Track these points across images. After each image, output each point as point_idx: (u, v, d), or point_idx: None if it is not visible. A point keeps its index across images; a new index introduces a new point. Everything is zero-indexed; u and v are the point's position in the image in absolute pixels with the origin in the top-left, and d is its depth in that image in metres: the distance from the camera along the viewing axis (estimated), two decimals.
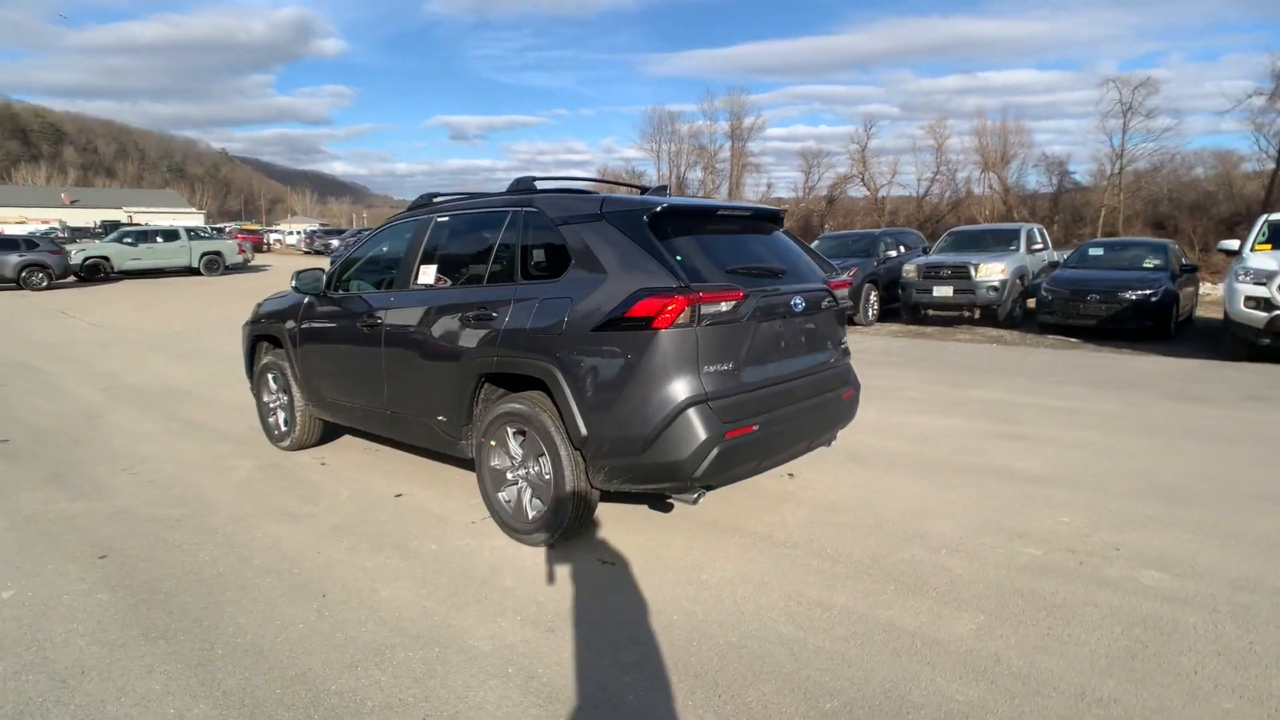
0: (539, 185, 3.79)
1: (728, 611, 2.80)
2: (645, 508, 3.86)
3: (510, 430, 3.44)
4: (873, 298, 12.13)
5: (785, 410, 3.32)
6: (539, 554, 3.36)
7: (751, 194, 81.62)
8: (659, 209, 3.23)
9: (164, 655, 2.55)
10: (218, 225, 46.69)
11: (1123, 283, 10.03)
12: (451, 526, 3.72)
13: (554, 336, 3.18)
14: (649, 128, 76.13)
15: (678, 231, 3.25)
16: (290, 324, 4.83)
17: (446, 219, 4.04)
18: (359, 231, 30.67)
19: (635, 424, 3.00)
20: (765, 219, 3.78)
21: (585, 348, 3.08)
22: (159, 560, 3.36)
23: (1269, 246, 8.32)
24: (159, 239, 23.82)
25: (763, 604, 2.85)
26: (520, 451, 3.44)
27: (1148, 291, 9.81)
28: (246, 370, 5.54)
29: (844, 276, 4.04)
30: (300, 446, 5.10)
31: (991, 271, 10.88)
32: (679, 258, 3.10)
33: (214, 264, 24.28)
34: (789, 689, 2.30)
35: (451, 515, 3.87)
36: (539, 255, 3.53)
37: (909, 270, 11.82)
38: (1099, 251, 11.71)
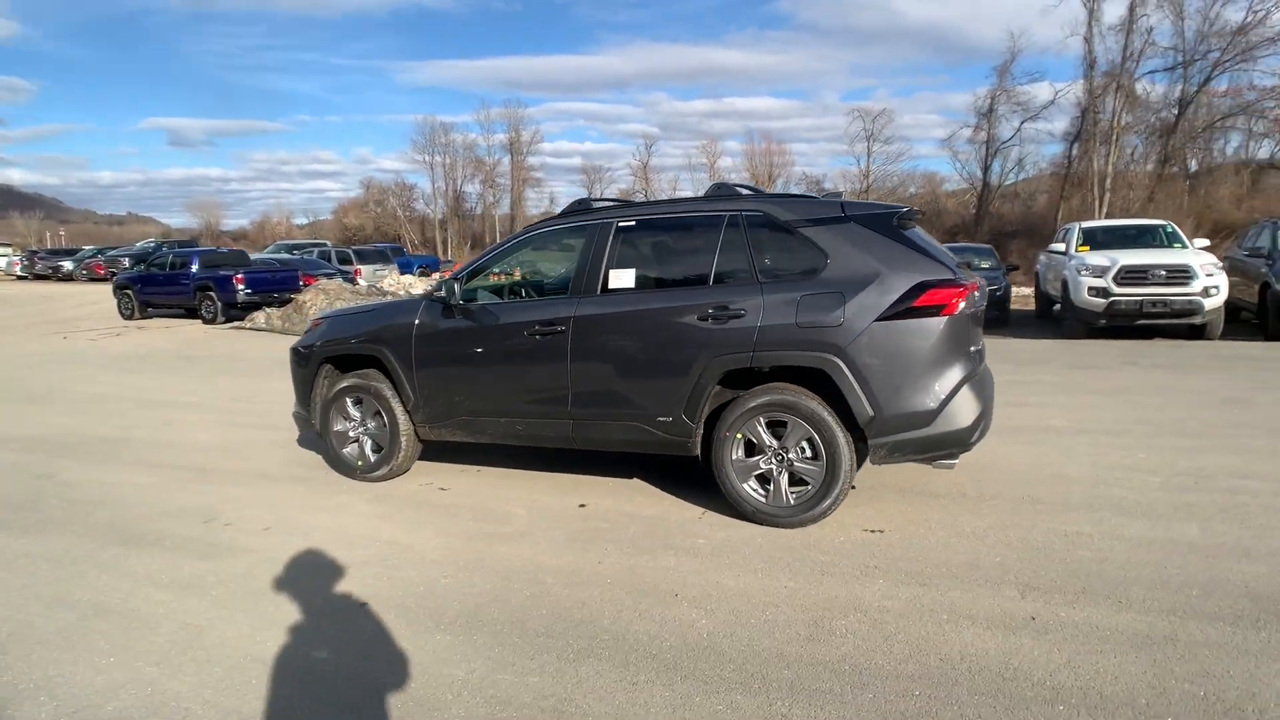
0: (595, 205, 4.34)
1: (985, 548, 3.35)
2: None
3: (763, 421, 3.68)
4: None
5: (990, 387, 3.95)
6: (802, 531, 3.63)
7: (534, 208, 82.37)
8: (903, 212, 3.70)
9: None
10: None
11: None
12: (685, 524, 3.82)
13: (831, 329, 3.50)
14: (420, 138, 73.93)
15: (900, 230, 3.74)
16: (399, 341, 4.50)
17: (633, 224, 4.12)
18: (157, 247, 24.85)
19: (924, 400, 3.44)
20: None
21: (868, 337, 3.45)
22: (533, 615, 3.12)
23: (1087, 248, 10.71)
24: None
25: (1028, 535, 3.43)
26: (772, 441, 3.68)
27: (993, 287, 12.01)
28: (302, 400, 4.97)
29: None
30: (395, 475, 4.74)
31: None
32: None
33: None
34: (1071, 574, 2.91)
35: (667, 515, 3.96)
36: (777, 255, 3.79)
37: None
38: None
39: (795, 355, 3.57)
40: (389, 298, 14.20)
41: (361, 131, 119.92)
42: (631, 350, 3.92)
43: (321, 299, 14.33)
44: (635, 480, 4.57)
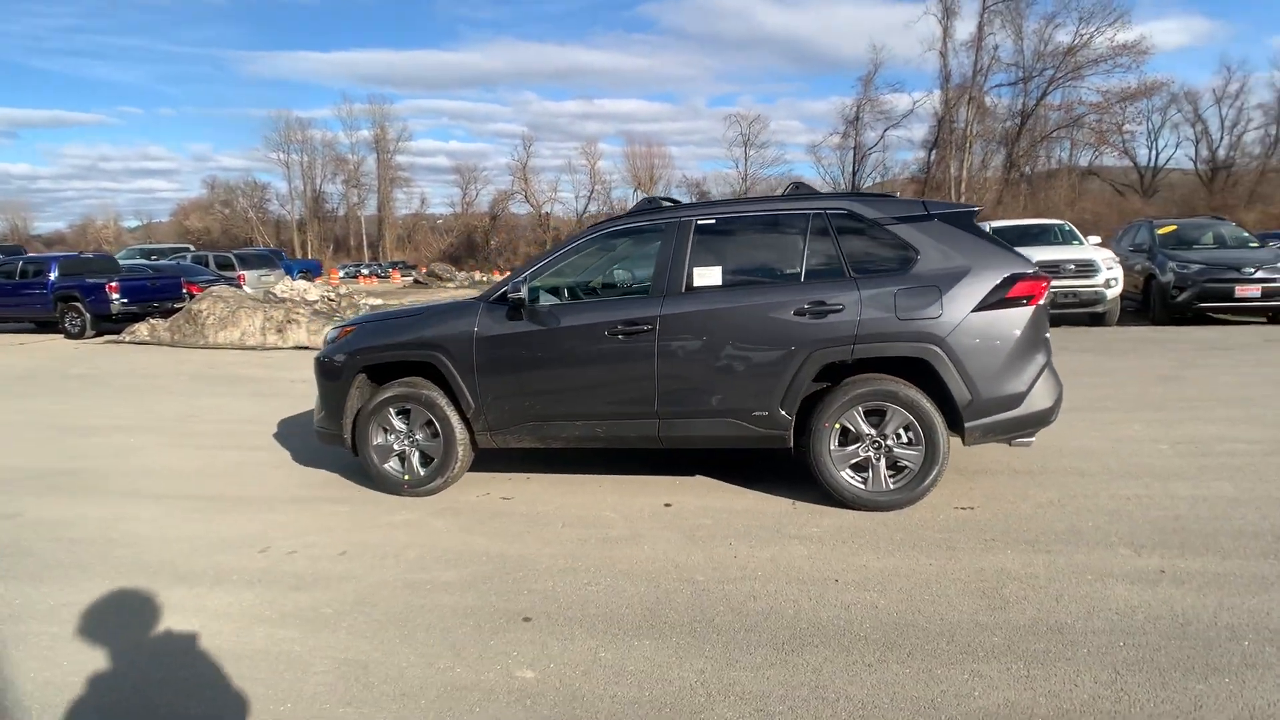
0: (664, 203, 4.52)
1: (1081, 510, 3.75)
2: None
3: (861, 410, 3.87)
4: None
5: None
6: (902, 514, 3.86)
7: (404, 209, 79.10)
8: (977, 209, 4.02)
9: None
10: None
11: None
12: (783, 515, 3.95)
13: (931, 320, 3.74)
14: (273, 134, 69.29)
15: (979, 226, 4.06)
16: (458, 345, 4.33)
17: (712, 222, 4.19)
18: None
19: (1015, 384, 3.76)
20: None
21: (966, 327, 3.73)
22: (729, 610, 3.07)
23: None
24: None
25: (1098, 502, 3.85)
26: (869, 429, 3.88)
27: None
28: (333, 413, 4.64)
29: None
30: (446, 487, 4.55)
31: None
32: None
33: None
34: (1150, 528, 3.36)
35: (758, 508, 4.07)
36: (866, 251, 3.97)
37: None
38: None
39: (897, 346, 3.79)
40: (304, 304, 13.35)
41: (199, 126, 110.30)
42: (724, 347, 3.99)
43: (221, 307, 13.21)
44: (699, 477, 4.64)
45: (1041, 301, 3.82)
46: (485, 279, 29.46)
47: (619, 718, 2.31)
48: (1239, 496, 3.89)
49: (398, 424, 4.51)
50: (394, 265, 54.90)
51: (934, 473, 3.81)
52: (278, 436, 6.28)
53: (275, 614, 3.10)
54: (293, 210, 77.30)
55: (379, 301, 16.66)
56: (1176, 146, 44.02)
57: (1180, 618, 2.72)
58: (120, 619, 3.11)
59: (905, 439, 3.85)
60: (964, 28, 39.29)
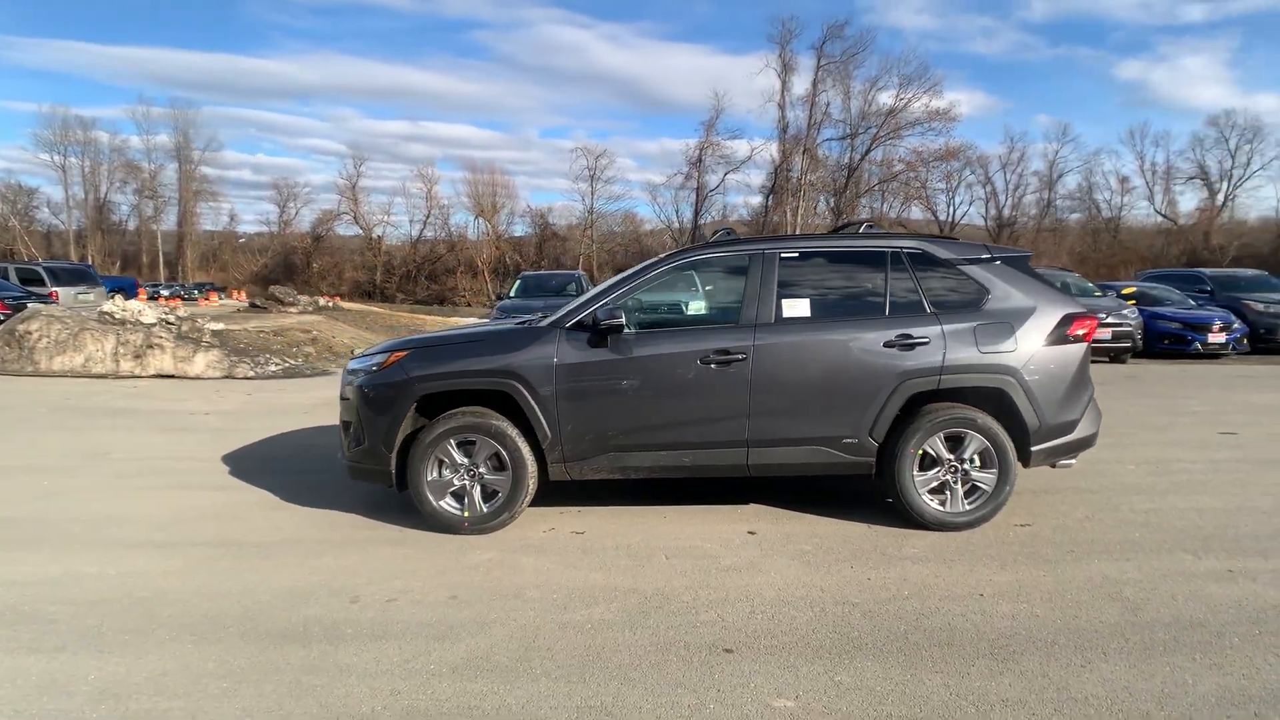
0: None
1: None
2: None
3: (942, 436, 4.22)
4: None
5: None
6: (975, 533, 4.23)
7: (210, 224, 72.28)
8: (1030, 254, 4.56)
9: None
10: None
11: None
12: (871, 537, 4.18)
13: (1007, 354, 4.19)
14: (46, 132, 61.00)
15: (1033, 269, 4.61)
16: (538, 373, 4.19)
17: (795, 255, 4.40)
18: None
19: (1071, 411, 4.28)
20: None
21: (1036, 361, 4.20)
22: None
23: None
24: None
25: (1135, 516, 4.47)
26: (949, 454, 4.24)
27: None
28: (383, 444, 4.27)
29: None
30: (508, 524, 4.35)
31: None
32: None
33: None
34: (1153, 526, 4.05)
35: (841, 532, 4.28)
36: (942, 288, 4.36)
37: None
38: None
39: (978, 378, 4.20)
40: (142, 327, 11.89)
41: None
42: (816, 377, 4.20)
43: (58, 329, 11.43)
44: (753, 505, 4.77)
45: (1092, 338, 4.40)
46: (331, 303, 27.58)
47: None
48: (1226, 507, 4.66)
49: (458, 457, 4.25)
50: (204, 287, 49.87)
51: (1005, 493, 4.23)
52: (238, 474, 5.61)
53: (445, 667, 2.84)
54: (69, 220, 67.95)
55: (222, 326, 15.10)
56: (970, 204, 50.73)
57: (1271, 609, 3.26)
58: (256, 689, 2.70)
59: (979, 463, 4.24)
60: (800, 83, 43.20)
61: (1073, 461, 4.52)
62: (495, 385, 4.23)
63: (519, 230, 58.05)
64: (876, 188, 44.82)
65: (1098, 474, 5.45)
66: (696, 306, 4.86)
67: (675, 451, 4.27)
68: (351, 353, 14.14)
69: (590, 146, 60.13)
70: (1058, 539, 4.13)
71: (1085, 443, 4.41)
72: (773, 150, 45.00)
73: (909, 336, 4.20)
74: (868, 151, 43.32)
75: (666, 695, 2.63)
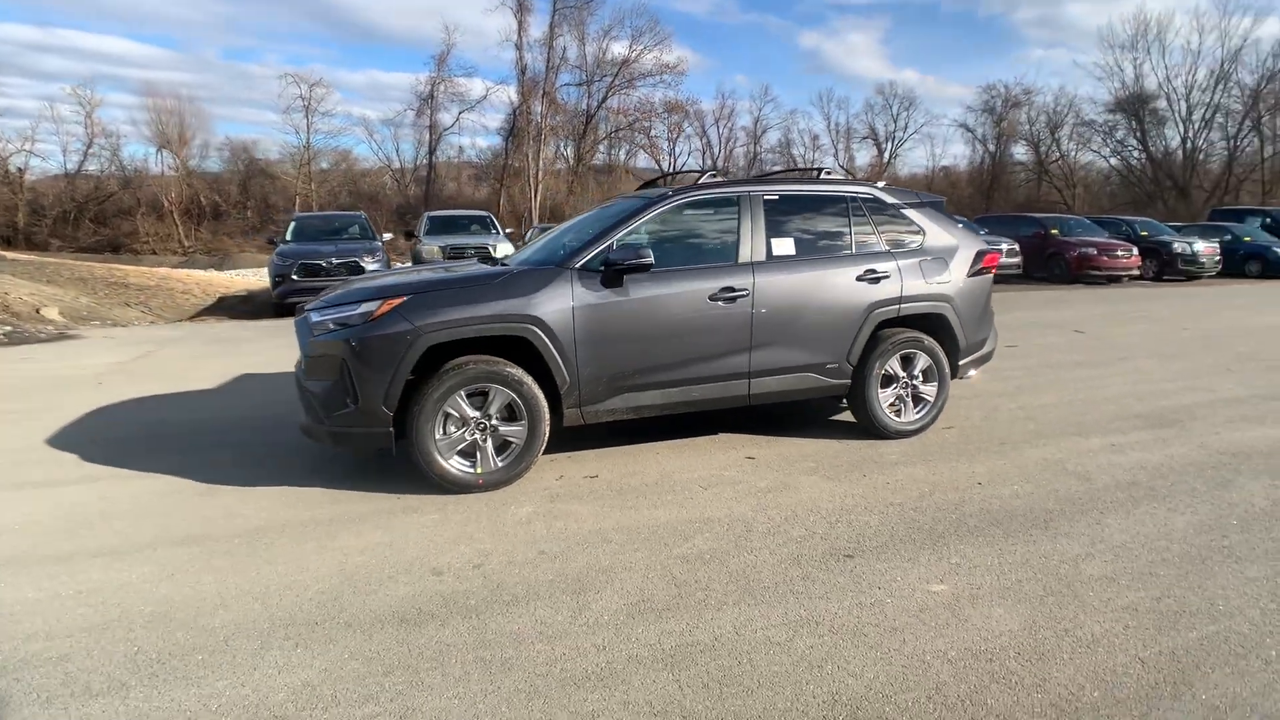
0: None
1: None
2: None
3: (899, 356, 4.89)
4: None
5: None
6: (925, 438, 5.02)
7: None
8: (943, 199, 5.35)
9: None
10: None
11: None
12: (851, 452, 4.76)
13: (946, 284, 4.94)
14: None
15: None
16: (557, 317, 4.05)
17: (776, 198, 4.69)
18: None
19: (981, 331, 5.20)
20: None
21: (963, 290, 5.01)
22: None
23: None
24: None
25: (1008, 412, 5.61)
26: (903, 371, 4.94)
27: None
28: (371, 405, 3.84)
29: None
30: (522, 476, 4.21)
31: None
32: None
33: None
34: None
35: (826, 450, 4.80)
36: (892, 229, 4.93)
37: None
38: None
39: (926, 305, 4.91)
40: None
41: None
42: (807, 310, 4.61)
43: None
44: (722, 435, 5.11)
45: (995, 270, 5.36)
46: None
47: (1085, 595, 2.95)
48: (1059, 401, 6.03)
49: (469, 411, 3.99)
50: None
51: (943, 402, 5.07)
52: (101, 461, 4.59)
53: (618, 615, 2.80)
54: None
55: None
56: (688, 155, 54.68)
57: (1169, 460, 4.44)
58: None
59: (922, 378, 5.01)
60: (538, 25, 42.64)
61: (975, 373, 5.52)
62: (514, 331, 4.00)
63: (213, 165, 50.18)
64: (613, 136, 46.29)
65: (1082, 410, 5.84)
66: (694, 245, 4.94)
67: (685, 387, 4.42)
68: (37, 312, 11.62)
69: (303, 74, 53.34)
70: (981, 437, 5.06)
71: (989, 355, 5.41)
72: (511, 93, 44.11)
73: (874, 271, 4.77)
74: (604, 99, 44.43)
75: (841, 599, 2.90)
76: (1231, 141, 40.75)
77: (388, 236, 14.84)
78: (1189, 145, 42.19)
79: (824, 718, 2.22)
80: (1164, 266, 18.53)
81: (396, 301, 3.91)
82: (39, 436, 5.11)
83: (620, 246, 4.24)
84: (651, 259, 4.16)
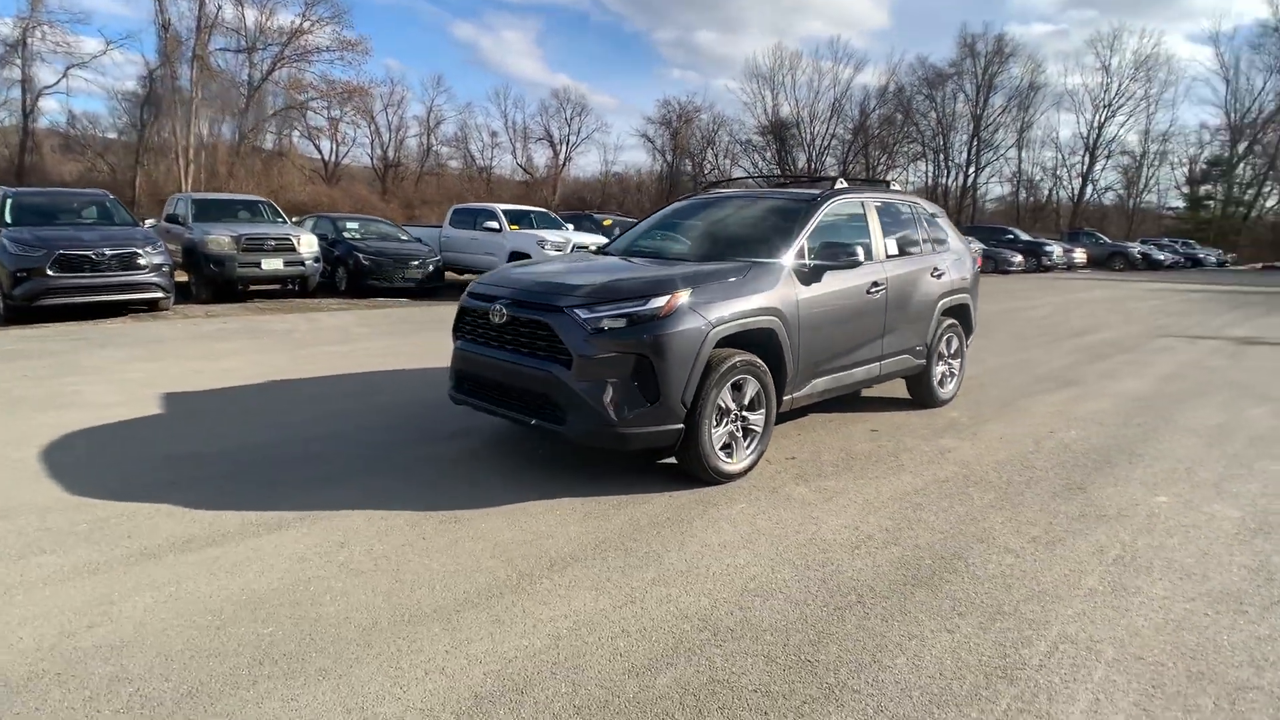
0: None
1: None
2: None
3: (945, 338, 6.13)
4: None
5: None
6: (922, 413, 6.32)
7: None
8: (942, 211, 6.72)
9: None
10: None
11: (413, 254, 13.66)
12: (911, 429, 5.86)
13: (969, 279, 6.30)
14: None
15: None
16: (788, 311, 4.48)
17: (880, 205, 5.56)
18: None
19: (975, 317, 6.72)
20: None
21: (972, 284, 6.44)
22: None
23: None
24: None
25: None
26: (947, 351, 6.20)
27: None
28: (672, 401, 3.89)
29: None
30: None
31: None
32: None
33: None
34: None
35: (921, 429, 5.84)
36: (931, 234, 6.09)
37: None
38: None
39: (961, 296, 6.22)
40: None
41: None
42: (911, 301, 5.58)
43: None
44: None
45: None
46: None
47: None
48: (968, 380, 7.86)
49: (731, 403, 4.24)
50: None
51: (962, 375, 6.45)
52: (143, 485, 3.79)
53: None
54: None
55: None
56: (354, 143, 51.11)
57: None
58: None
59: (951, 355, 6.34)
60: None
61: None
62: (765, 324, 4.31)
63: None
64: (285, 113, 41.70)
65: (1015, 397, 8.08)
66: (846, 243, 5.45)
67: (849, 370, 5.11)
68: None
69: None
70: (939, 420, 6.50)
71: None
72: (148, 53, 37.24)
73: (938, 268, 5.95)
74: (271, 71, 39.85)
75: (1103, 525, 3.94)
76: (842, 165, 51.54)
77: (150, 223, 12.24)
78: (811, 166, 52.19)
79: None
80: None
81: (679, 295, 3.98)
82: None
83: (825, 245, 4.77)
84: (861, 257, 4.77)
